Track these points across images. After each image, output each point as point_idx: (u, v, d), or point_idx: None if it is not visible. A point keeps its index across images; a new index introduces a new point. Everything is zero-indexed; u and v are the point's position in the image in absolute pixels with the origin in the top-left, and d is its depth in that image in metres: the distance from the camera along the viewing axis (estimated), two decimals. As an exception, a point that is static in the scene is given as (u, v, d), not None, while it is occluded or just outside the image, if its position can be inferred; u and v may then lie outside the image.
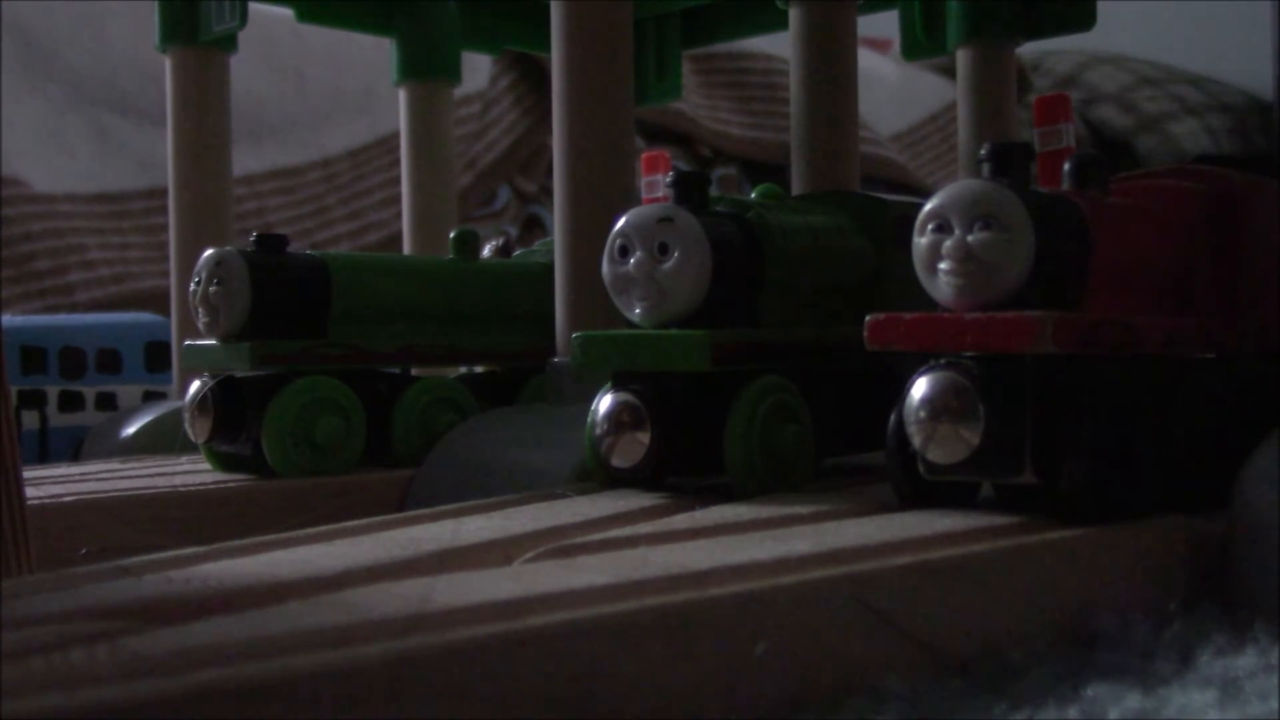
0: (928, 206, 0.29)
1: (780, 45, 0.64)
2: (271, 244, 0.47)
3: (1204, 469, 0.31)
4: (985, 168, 0.29)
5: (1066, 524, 0.28)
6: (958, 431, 0.28)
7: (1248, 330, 0.34)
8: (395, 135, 0.74)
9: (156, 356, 0.67)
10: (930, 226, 0.29)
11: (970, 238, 0.28)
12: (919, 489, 0.30)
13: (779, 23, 0.58)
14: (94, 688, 0.16)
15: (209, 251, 0.46)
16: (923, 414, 0.28)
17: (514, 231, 1.41)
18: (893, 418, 0.30)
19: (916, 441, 0.29)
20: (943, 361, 0.29)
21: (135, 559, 0.25)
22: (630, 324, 0.36)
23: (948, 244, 0.28)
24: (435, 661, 0.18)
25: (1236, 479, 0.29)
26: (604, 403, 0.35)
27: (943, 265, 0.29)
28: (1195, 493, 0.31)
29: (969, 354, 0.29)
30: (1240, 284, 0.34)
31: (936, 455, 0.29)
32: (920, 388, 0.29)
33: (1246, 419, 0.32)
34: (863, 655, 0.23)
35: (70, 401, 0.65)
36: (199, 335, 0.47)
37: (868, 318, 0.30)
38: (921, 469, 0.30)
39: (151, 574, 0.24)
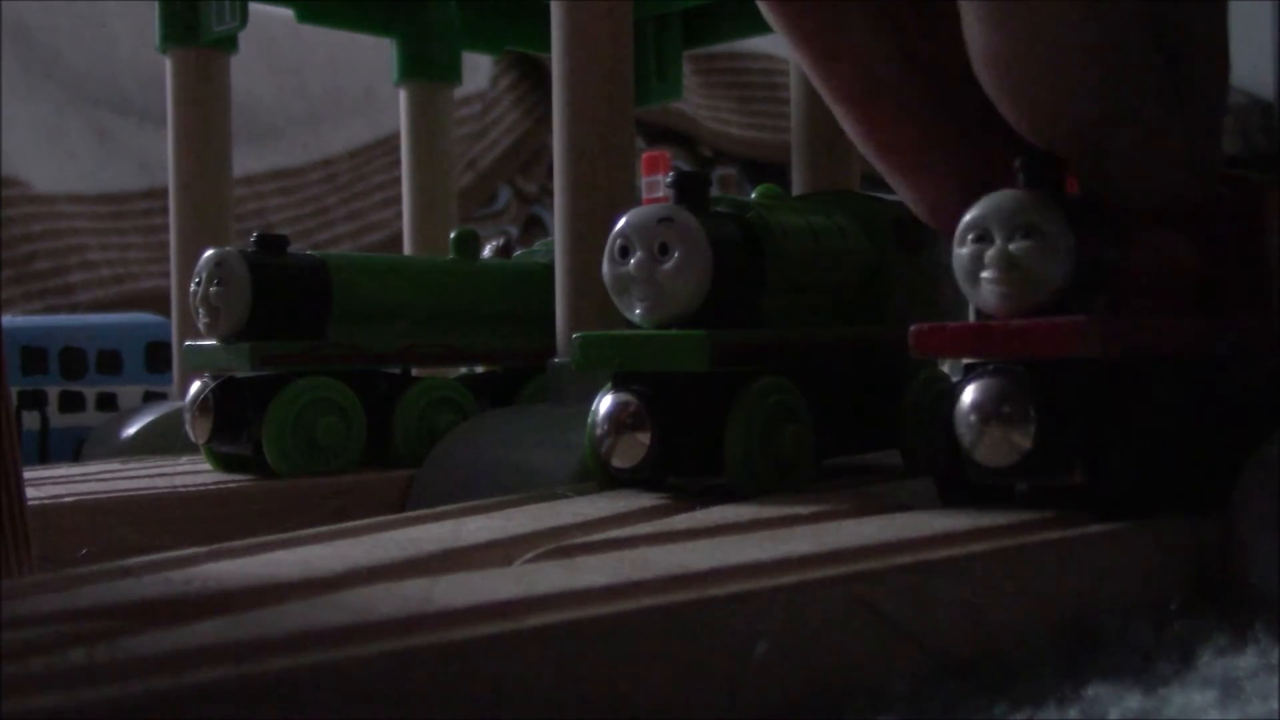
0: (967, 217, 0.29)
1: (780, 45, 0.64)
2: (272, 244, 0.47)
3: (1239, 466, 0.32)
4: (1020, 177, 0.30)
5: (1067, 524, 0.28)
6: (1008, 436, 0.29)
7: (1271, 331, 0.34)
8: (395, 135, 0.74)
9: (157, 357, 0.67)
10: (971, 236, 0.29)
11: (1012, 246, 0.29)
12: (965, 490, 0.31)
13: (779, 23, 0.58)
14: (94, 687, 0.16)
15: (209, 252, 0.46)
16: (973, 419, 0.29)
17: (514, 232, 1.41)
18: (940, 420, 0.31)
19: (967, 444, 0.29)
20: (990, 367, 0.29)
21: (135, 559, 0.25)
22: (630, 324, 0.36)
23: (990, 253, 0.29)
24: (436, 662, 0.18)
25: (1237, 479, 0.29)
26: (604, 403, 0.35)
27: (985, 274, 0.29)
28: (1227, 488, 0.31)
29: (1016, 359, 0.29)
30: (1267, 284, 0.34)
31: (986, 458, 0.29)
32: (970, 393, 0.29)
33: (1269, 417, 0.33)
34: (863, 655, 0.23)
35: (71, 402, 0.65)
36: (199, 336, 0.47)
37: (912, 327, 0.30)
38: (970, 472, 0.30)
39: (151, 574, 0.24)
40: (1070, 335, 0.28)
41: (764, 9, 0.32)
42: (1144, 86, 0.29)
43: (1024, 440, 0.29)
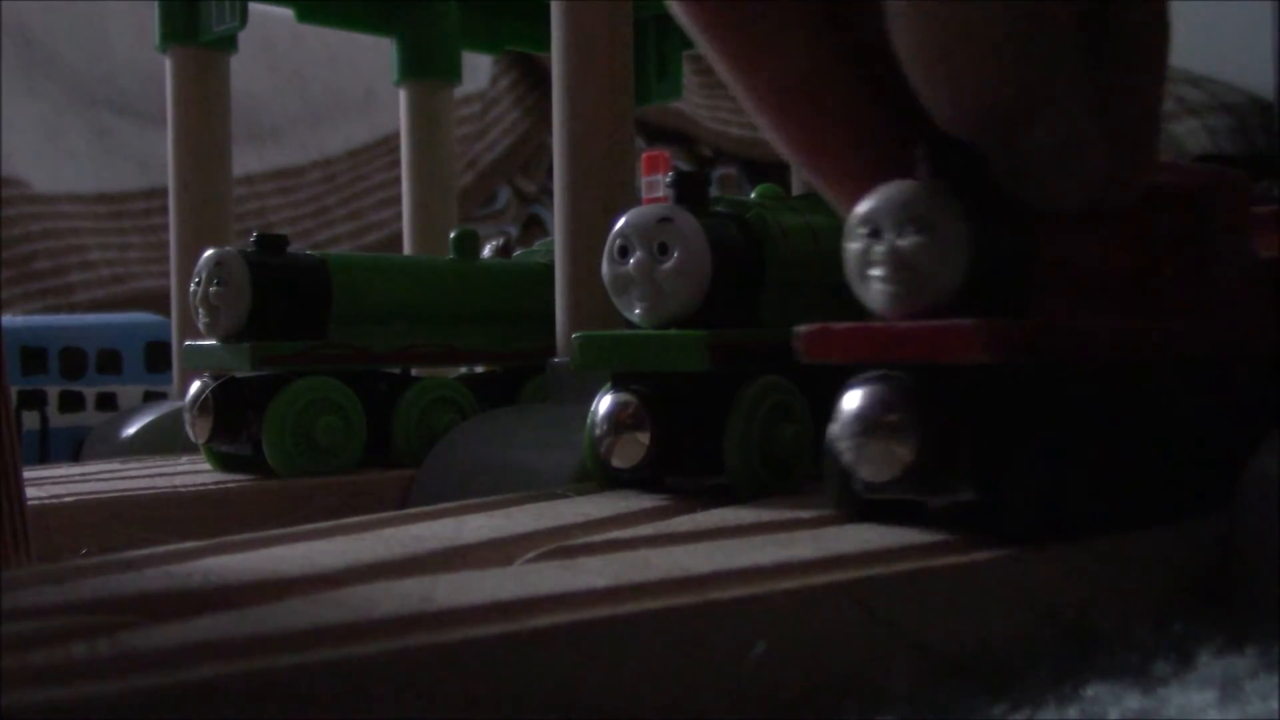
0: (859, 209, 0.27)
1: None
2: (272, 244, 0.47)
3: (1167, 480, 0.30)
4: (922, 167, 0.27)
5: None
6: (890, 448, 0.26)
7: (1216, 332, 0.32)
8: (395, 135, 0.74)
9: (157, 357, 0.67)
10: (861, 231, 0.27)
11: (901, 242, 0.26)
12: (857, 505, 0.29)
13: (779, 23, 0.58)
14: (95, 683, 0.16)
15: (209, 252, 0.46)
16: (853, 429, 0.27)
17: (514, 231, 1.41)
18: (828, 430, 0.28)
19: (847, 458, 0.27)
20: (875, 373, 0.27)
21: (136, 552, 0.25)
22: (630, 324, 0.36)
23: (878, 249, 0.26)
24: (436, 662, 0.18)
25: (1238, 480, 0.29)
26: (604, 403, 0.35)
27: (873, 271, 0.27)
28: (1157, 505, 0.29)
29: (902, 365, 0.27)
30: (1208, 284, 0.32)
31: (868, 473, 0.27)
32: (851, 401, 0.27)
33: (1216, 425, 0.31)
34: (864, 660, 0.23)
35: (71, 402, 0.65)
36: (199, 335, 0.47)
37: (799, 329, 0.28)
38: (856, 486, 0.28)
39: (152, 568, 0.24)
40: (957, 339, 0.25)
41: (677, 10, 0.29)
42: (1063, 79, 0.26)
43: (907, 452, 0.26)
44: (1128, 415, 0.29)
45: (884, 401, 0.26)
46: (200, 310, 0.46)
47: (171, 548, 0.26)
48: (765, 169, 1.50)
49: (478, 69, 1.41)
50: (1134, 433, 0.29)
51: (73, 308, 1.08)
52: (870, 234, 0.27)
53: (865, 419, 0.27)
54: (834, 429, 0.27)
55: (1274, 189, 0.40)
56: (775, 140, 0.30)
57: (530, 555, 0.26)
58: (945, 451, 0.26)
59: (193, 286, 0.46)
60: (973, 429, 0.26)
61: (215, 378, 0.46)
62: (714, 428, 0.35)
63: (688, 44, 0.70)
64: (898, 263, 0.26)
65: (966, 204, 0.26)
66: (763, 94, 0.29)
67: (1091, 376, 0.28)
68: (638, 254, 0.35)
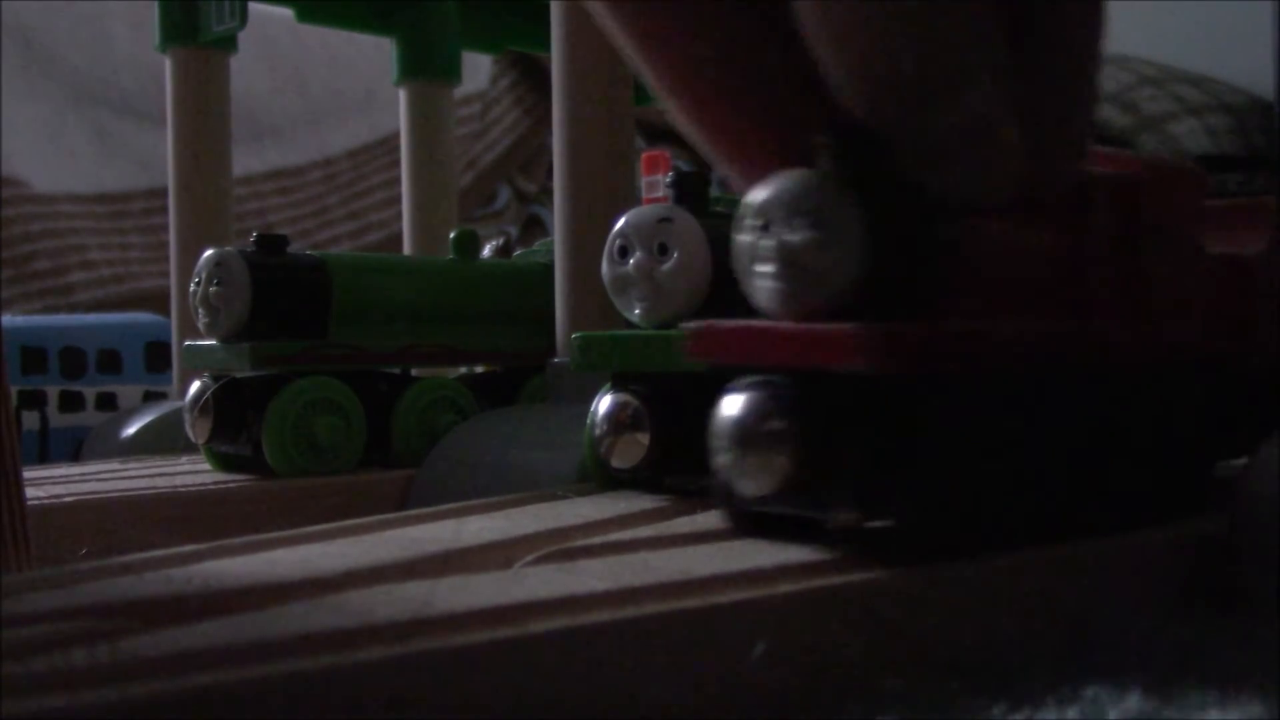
0: (750, 199, 0.25)
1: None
2: (272, 244, 0.47)
3: (1098, 492, 0.28)
4: (823, 155, 0.25)
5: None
6: (769, 458, 0.24)
7: (1155, 333, 0.30)
8: (395, 135, 0.74)
9: (157, 357, 0.67)
10: (753, 224, 0.25)
11: (790, 236, 0.24)
12: (744, 519, 0.27)
13: (779, 23, 0.58)
14: (95, 689, 0.16)
15: (209, 252, 0.46)
16: (731, 437, 0.25)
17: (514, 231, 1.41)
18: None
19: (724, 472, 0.25)
20: (756, 378, 0.25)
21: (135, 555, 0.25)
22: (630, 324, 0.36)
23: (765, 243, 0.24)
24: (437, 667, 0.18)
25: (1238, 479, 0.29)
26: (604, 403, 0.35)
27: (760, 268, 0.25)
28: (1088, 519, 0.27)
29: (786, 370, 0.25)
30: (1145, 282, 0.29)
31: (745, 487, 0.25)
32: (728, 407, 0.25)
33: (1158, 431, 0.29)
34: (864, 660, 0.23)
35: (70, 402, 0.65)
36: (199, 335, 0.47)
37: (686, 326, 0.27)
38: (740, 499, 0.26)
39: (152, 571, 0.24)
40: (836, 344, 0.23)
41: None
42: (977, 59, 0.25)
43: (785, 463, 0.24)
44: (1048, 424, 0.26)
45: (761, 408, 0.24)
46: (200, 310, 0.46)
47: (170, 551, 0.26)
48: (765, 168, 1.50)
49: (478, 69, 1.41)
50: (1054, 443, 0.27)
51: (73, 308, 1.08)
52: (761, 226, 0.25)
53: (742, 426, 0.25)
54: (712, 437, 0.25)
55: (1229, 183, 0.39)
56: (680, 122, 0.28)
57: (530, 558, 0.26)
58: (825, 466, 0.24)
59: (193, 286, 0.46)
60: (856, 440, 0.24)
61: (215, 378, 0.46)
62: (714, 428, 0.35)
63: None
64: (786, 259, 0.24)
65: (866, 197, 0.24)
66: (668, 73, 0.28)
67: (1006, 382, 0.26)
68: (638, 254, 0.35)
